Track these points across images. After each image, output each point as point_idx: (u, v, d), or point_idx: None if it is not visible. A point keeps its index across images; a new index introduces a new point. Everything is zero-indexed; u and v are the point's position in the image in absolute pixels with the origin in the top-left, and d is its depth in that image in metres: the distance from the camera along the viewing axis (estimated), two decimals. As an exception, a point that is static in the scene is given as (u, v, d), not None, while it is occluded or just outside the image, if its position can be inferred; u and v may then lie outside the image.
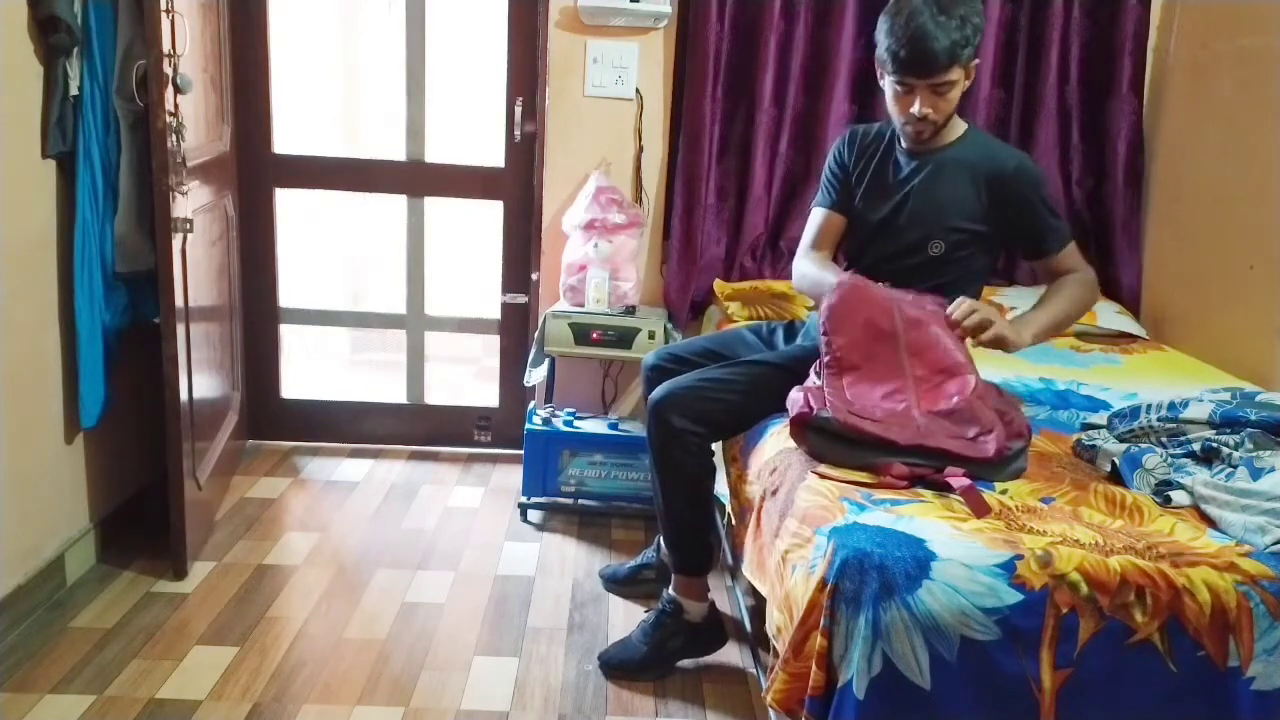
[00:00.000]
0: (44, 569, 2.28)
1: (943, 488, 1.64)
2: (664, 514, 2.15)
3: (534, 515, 2.95)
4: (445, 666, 2.16)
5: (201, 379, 2.59)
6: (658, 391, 2.07)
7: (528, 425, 2.90)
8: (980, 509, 1.55)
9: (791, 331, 2.32)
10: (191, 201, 2.44)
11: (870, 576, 1.38)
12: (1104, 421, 1.97)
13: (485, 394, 3.58)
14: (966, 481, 1.61)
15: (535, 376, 3.01)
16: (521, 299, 3.33)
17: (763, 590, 1.75)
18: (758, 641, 2.21)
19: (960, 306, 1.86)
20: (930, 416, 1.72)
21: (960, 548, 1.43)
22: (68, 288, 2.31)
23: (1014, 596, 1.37)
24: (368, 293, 4.70)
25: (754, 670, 2.20)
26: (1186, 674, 1.39)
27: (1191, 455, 1.75)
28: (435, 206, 3.36)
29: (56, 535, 2.36)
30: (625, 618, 2.39)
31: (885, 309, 1.85)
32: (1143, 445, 1.80)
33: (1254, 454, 1.66)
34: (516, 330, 3.35)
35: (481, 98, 3.40)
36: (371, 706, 2.00)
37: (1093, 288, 2.09)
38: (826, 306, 1.88)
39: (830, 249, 2.22)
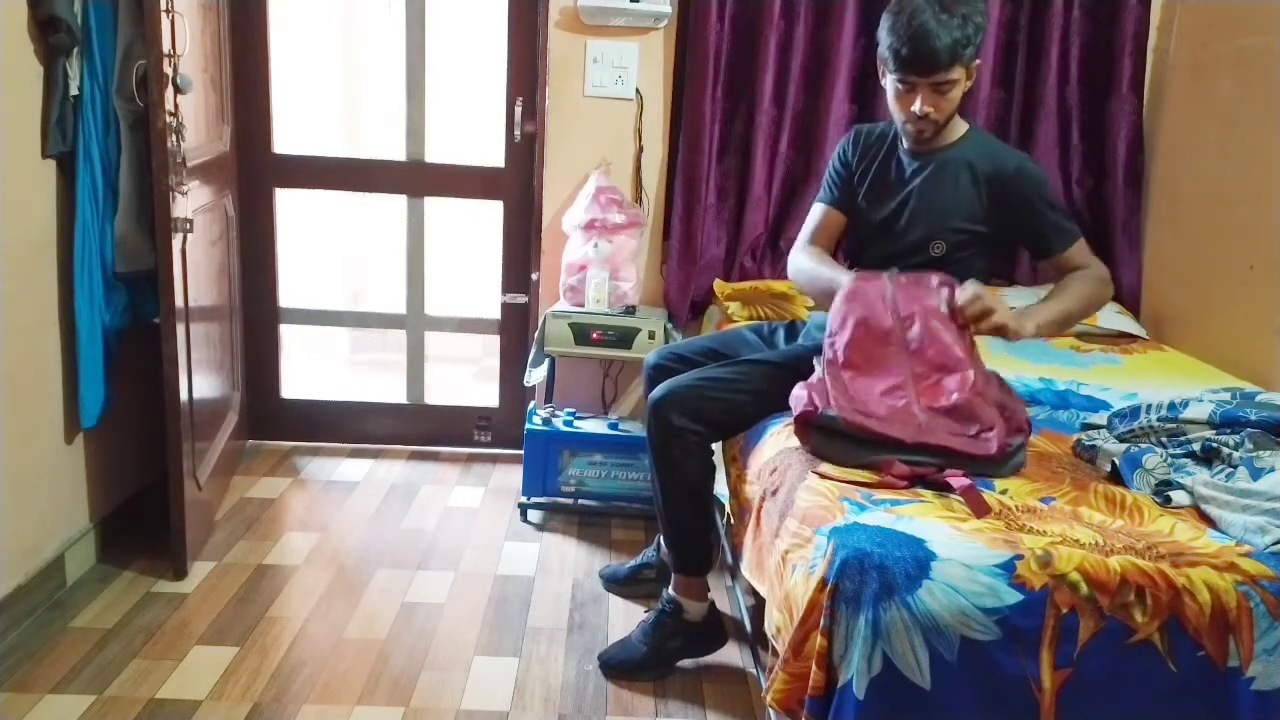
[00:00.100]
0: (44, 569, 2.28)
1: (943, 487, 1.65)
2: (664, 514, 2.15)
3: (534, 515, 2.95)
4: (445, 666, 2.16)
5: (201, 379, 2.59)
6: (658, 390, 2.07)
7: (528, 425, 2.90)
8: (980, 509, 1.55)
9: (793, 331, 2.32)
10: (191, 201, 2.44)
11: (870, 576, 1.38)
12: (1104, 421, 1.97)
13: (485, 394, 3.58)
14: (966, 481, 1.61)
15: (535, 376, 3.01)
16: (521, 299, 3.33)
17: (762, 590, 1.75)
18: (758, 641, 2.21)
19: (965, 292, 1.84)
20: (930, 413, 1.72)
21: (960, 548, 1.43)
22: (68, 288, 2.31)
23: (1014, 596, 1.37)
24: (368, 293, 4.70)
25: (754, 670, 2.20)
26: (1186, 674, 1.39)
27: (1191, 455, 1.75)
28: (435, 206, 3.36)
29: (56, 535, 2.36)
30: (625, 618, 2.39)
31: (884, 307, 1.84)
32: (1143, 445, 1.80)
33: (1254, 454, 1.66)
34: (516, 330, 3.35)
35: (481, 98, 3.41)
36: (371, 706, 2.00)
37: (1103, 284, 2.04)
38: (832, 311, 1.88)
39: (828, 245, 2.22)
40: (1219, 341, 2.72)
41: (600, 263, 2.86)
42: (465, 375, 4.44)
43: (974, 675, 1.37)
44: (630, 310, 2.91)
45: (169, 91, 2.24)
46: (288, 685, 2.05)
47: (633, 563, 2.56)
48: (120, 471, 2.64)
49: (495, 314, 3.38)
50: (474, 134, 3.59)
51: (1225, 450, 1.70)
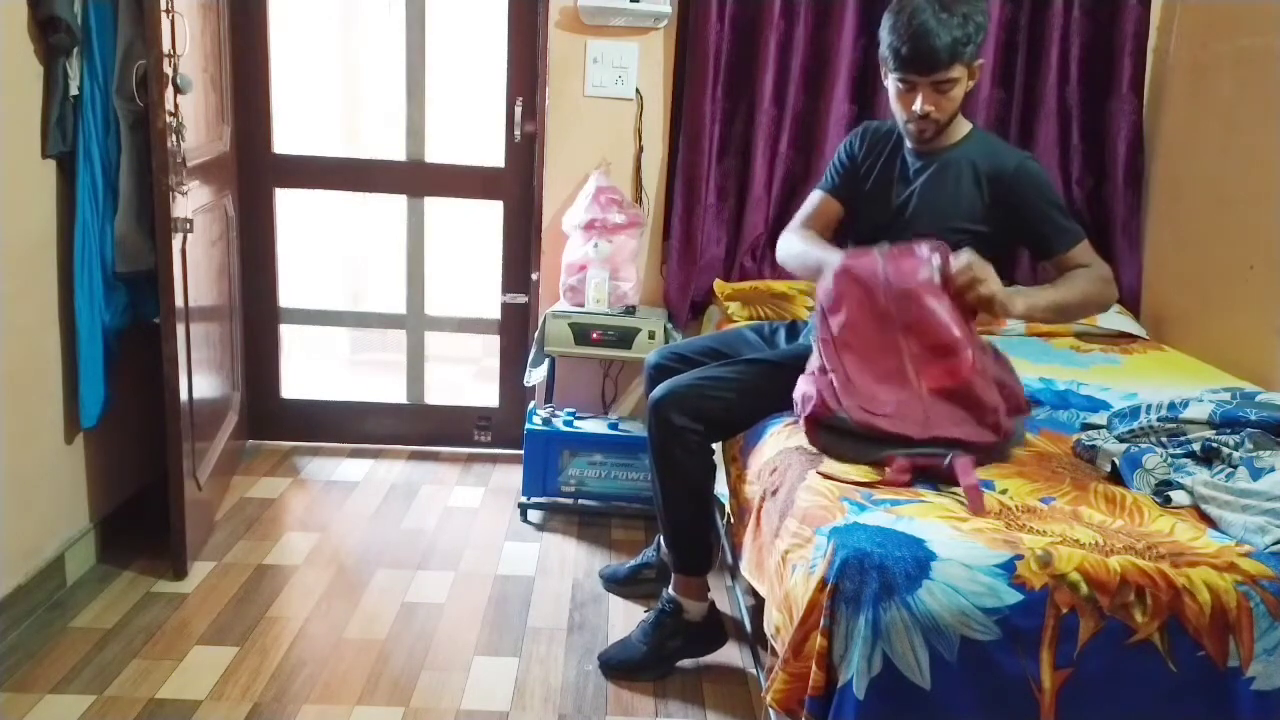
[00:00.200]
0: (44, 569, 2.28)
1: (945, 480, 1.64)
2: (664, 513, 2.15)
3: (534, 515, 2.95)
4: (445, 666, 2.16)
5: (201, 379, 2.59)
6: (658, 390, 2.07)
7: (528, 425, 2.90)
8: (978, 508, 1.55)
9: (793, 331, 2.32)
10: (191, 201, 2.44)
11: (870, 576, 1.38)
12: (1104, 421, 1.97)
13: (485, 394, 3.58)
14: (975, 480, 1.60)
15: (535, 376, 3.01)
16: (521, 299, 3.33)
17: (762, 590, 1.75)
18: (758, 641, 2.21)
19: (959, 260, 1.81)
20: (934, 397, 1.73)
21: (960, 548, 1.42)
22: (68, 288, 2.31)
23: (1014, 596, 1.37)
24: (368, 293, 4.70)
25: (754, 670, 2.20)
26: (1186, 674, 1.39)
27: (1191, 455, 1.75)
28: (435, 206, 3.36)
29: (56, 535, 2.36)
30: (625, 618, 2.39)
31: (878, 287, 1.81)
32: (1143, 445, 1.80)
33: (1254, 454, 1.66)
34: (516, 330, 3.35)
35: (481, 98, 3.41)
36: (371, 706, 2.00)
37: (1105, 284, 2.00)
38: (822, 289, 1.87)
39: (821, 232, 2.19)
40: (1219, 341, 2.72)
41: (600, 263, 2.86)
42: (465, 375, 4.44)
43: (974, 675, 1.37)
44: (630, 310, 2.91)
45: (169, 91, 2.24)
46: (288, 685, 2.05)
47: (633, 563, 2.56)
48: (120, 471, 2.64)
49: (495, 314, 3.38)
50: (474, 134, 3.59)
51: (1225, 450, 1.70)
